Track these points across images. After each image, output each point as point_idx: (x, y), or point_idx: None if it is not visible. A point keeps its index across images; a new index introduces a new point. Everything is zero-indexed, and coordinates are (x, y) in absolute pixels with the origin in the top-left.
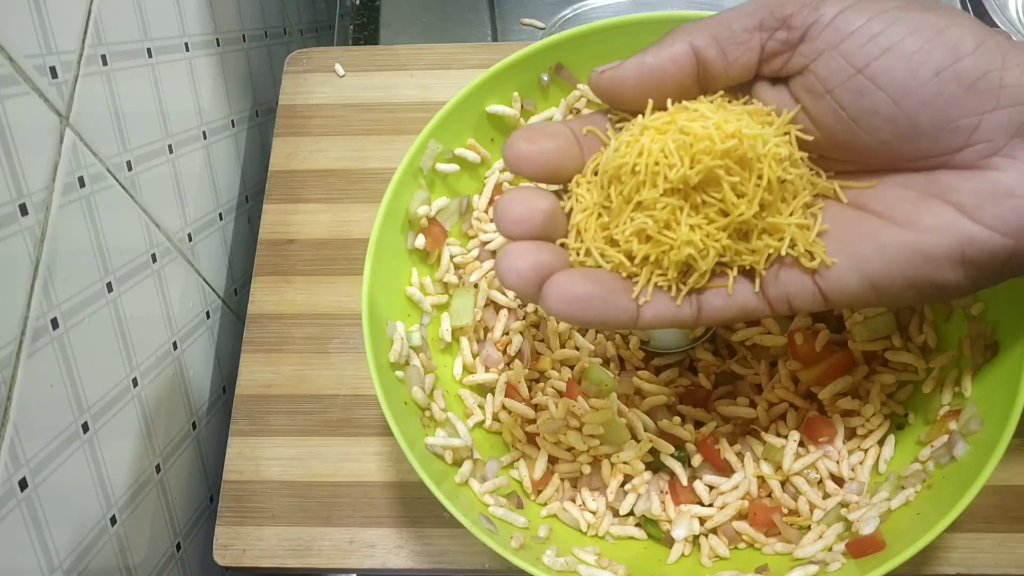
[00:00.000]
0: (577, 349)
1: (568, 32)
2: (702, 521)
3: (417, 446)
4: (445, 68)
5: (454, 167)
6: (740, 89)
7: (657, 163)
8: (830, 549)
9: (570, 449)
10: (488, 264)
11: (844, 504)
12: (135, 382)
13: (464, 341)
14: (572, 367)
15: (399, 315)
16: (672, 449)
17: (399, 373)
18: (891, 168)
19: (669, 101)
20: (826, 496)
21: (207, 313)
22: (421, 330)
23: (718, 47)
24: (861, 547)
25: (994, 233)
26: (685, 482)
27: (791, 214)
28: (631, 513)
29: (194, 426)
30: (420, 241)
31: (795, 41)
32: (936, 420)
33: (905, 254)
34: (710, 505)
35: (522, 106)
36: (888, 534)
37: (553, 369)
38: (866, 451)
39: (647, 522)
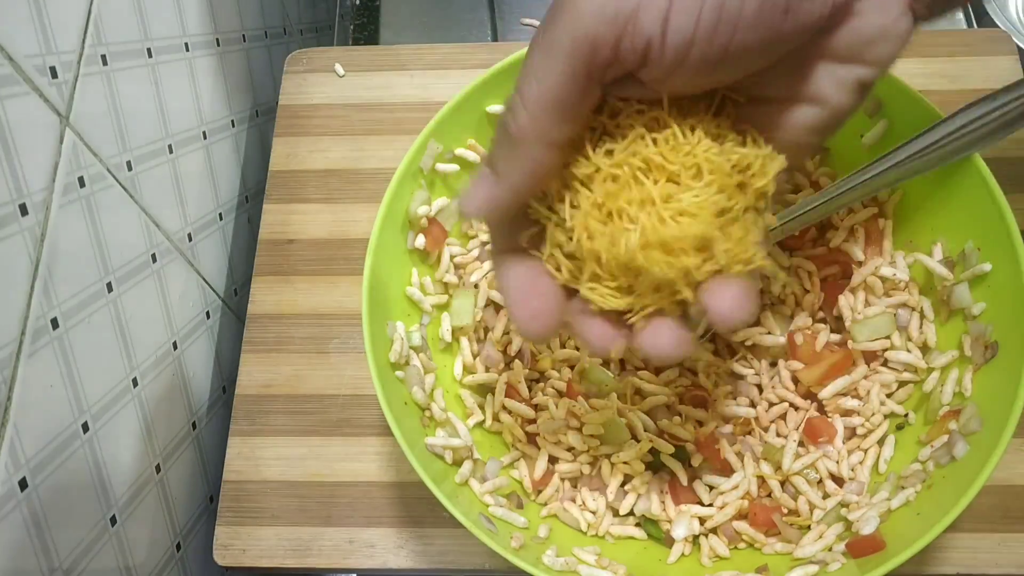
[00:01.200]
0: (577, 349)
1: None
2: (702, 521)
3: (417, 446)
4: (445, 68)
5: (454, 167)
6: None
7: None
8: (830, 549)
9: (570, 449)
10: (488, 264)
11: (844, 504)
12: (135, 382)
13: (464, 341)
14: (572, 367)
15: (399, 315)
16: (672, 449)
17: (399, 373)
18: (781, 57)
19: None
20: (826, 496)
21: (207, 313)
22: (421, 330)
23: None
24: (861, 547)
25: (877, 69)
26: (685, 482)
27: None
28: (631, 513)
29: (194, 426)
30: (420, 241)
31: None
32: (936, 420)
33: (825, 122)
34: (710, 505)
35: None
36: (888, 534)
37: (553, 369)
38: (866, 451)
39: (647, 522)
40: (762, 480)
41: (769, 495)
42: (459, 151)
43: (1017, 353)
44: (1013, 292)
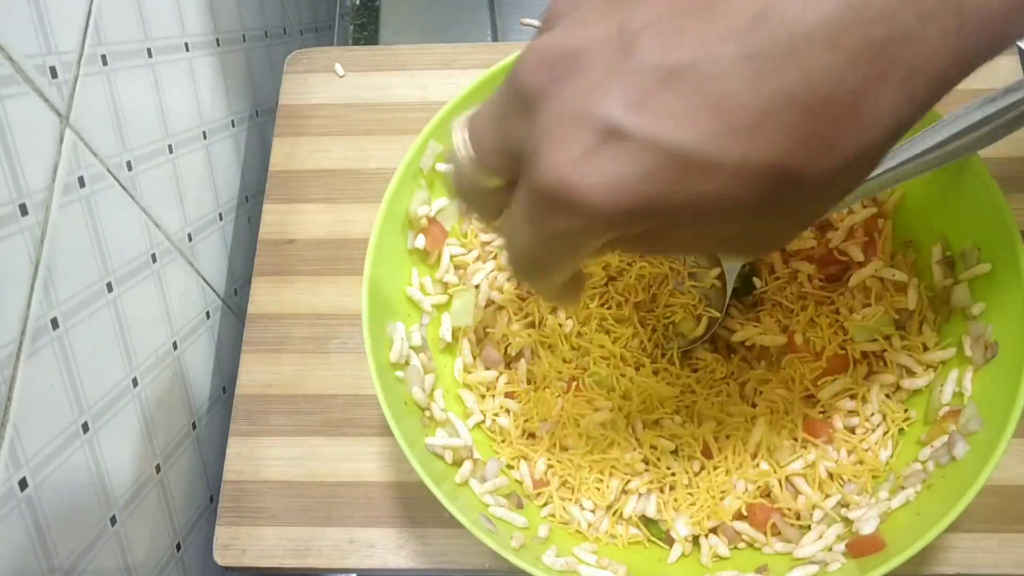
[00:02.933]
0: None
1: None
2: (702, 521)
3: (417, 446)
4: (445, 68)
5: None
6: None
7: None
8: (830, 549)
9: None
10: (489, 264)
11: (844, 504)
12: (135, 382)
13: (464, 341)
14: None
15: (399, 315)
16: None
17: (399, 373)
18: None
19: None
20: (826, 496)
21: (207, 313)
22: (421, 330)
23: None
24: (861, 547)
25: None
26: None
27: None
28: (632, 513)
29: (194, 426)
30: (420, 241)
31: None
32: (936, 420)
33: None
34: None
35: None
36: (888, 534)
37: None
38: (866, 451)
39: (647, 522)
40: (762, 480)
41: (769, 495)
42: None
43: (1017, 353)
44: (1013, 292)
